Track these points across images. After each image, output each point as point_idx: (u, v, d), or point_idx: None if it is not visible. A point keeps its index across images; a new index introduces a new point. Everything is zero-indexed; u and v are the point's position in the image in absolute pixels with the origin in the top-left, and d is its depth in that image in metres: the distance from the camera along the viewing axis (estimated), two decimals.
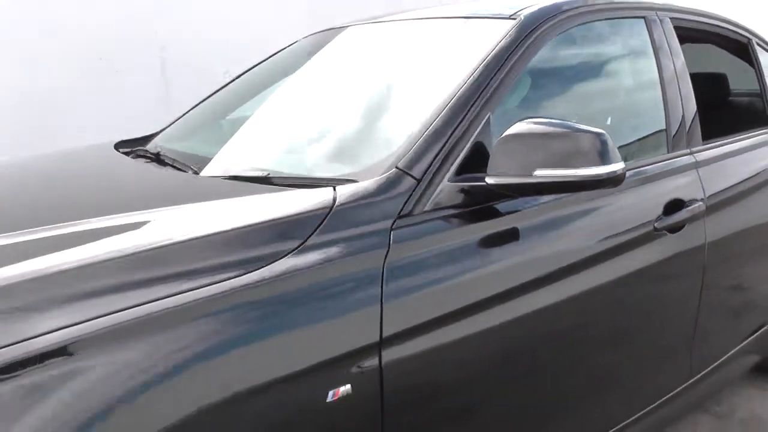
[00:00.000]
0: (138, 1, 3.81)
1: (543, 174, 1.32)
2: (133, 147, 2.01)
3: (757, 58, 2.44)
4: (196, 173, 1.62)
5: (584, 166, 1.32)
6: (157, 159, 1.80)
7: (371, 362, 1.18)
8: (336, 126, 1.71)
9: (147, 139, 2.12)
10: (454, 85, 1.51)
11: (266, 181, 1.48)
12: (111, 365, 0.96)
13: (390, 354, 1.20)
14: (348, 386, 1.15)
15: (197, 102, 2.34)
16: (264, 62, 2.34)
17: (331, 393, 1.13)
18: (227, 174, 1.58)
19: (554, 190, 1.38)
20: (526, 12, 1.69)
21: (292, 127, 1.85)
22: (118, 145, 2.03)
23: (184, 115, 2.27)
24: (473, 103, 1.46)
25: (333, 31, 2.19)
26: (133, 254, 1.11)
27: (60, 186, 1.70)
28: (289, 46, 2.36)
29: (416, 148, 1.39)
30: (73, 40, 3.58)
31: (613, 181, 1.35)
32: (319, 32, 2.27)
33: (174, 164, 1.71)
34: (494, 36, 1.63)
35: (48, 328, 0.96)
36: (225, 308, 1.07)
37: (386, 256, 1.23)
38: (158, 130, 2.22)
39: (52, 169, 1.90)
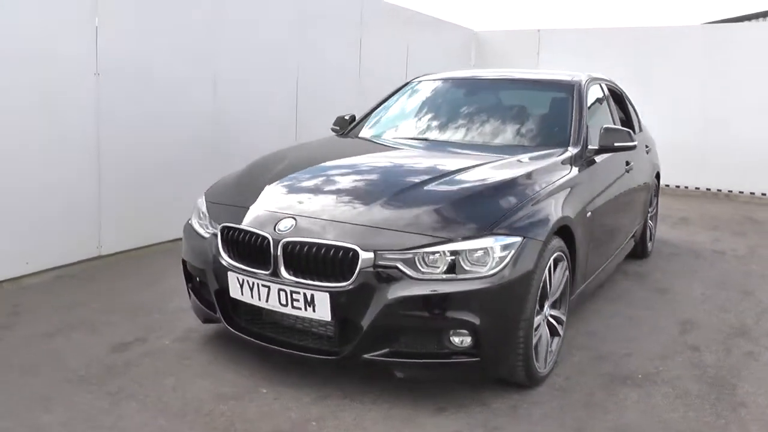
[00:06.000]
0: None
1: (618, 145, 3.70)
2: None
3: (624, 102, 5.18)
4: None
5: (625, 142, 3.72)
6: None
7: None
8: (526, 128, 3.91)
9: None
10: (572, 111, 3.82)
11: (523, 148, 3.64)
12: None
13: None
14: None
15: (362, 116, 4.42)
16: (397, 96, 4.49)
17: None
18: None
19: (620, 149, 3.76)
20: (576, 78, 4.10)
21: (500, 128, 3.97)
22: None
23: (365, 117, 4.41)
24: (582, 118, 3.79)
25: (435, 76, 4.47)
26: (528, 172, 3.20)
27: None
28: (406, 84, 4.53)
29: (574, 138, 3.67)
30: None
31: (635, 146, 3.80)
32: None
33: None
34: (571, 88, 3.99)
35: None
36: (568, 184, 3.25)
37: (580, 168, 3.53)
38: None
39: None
